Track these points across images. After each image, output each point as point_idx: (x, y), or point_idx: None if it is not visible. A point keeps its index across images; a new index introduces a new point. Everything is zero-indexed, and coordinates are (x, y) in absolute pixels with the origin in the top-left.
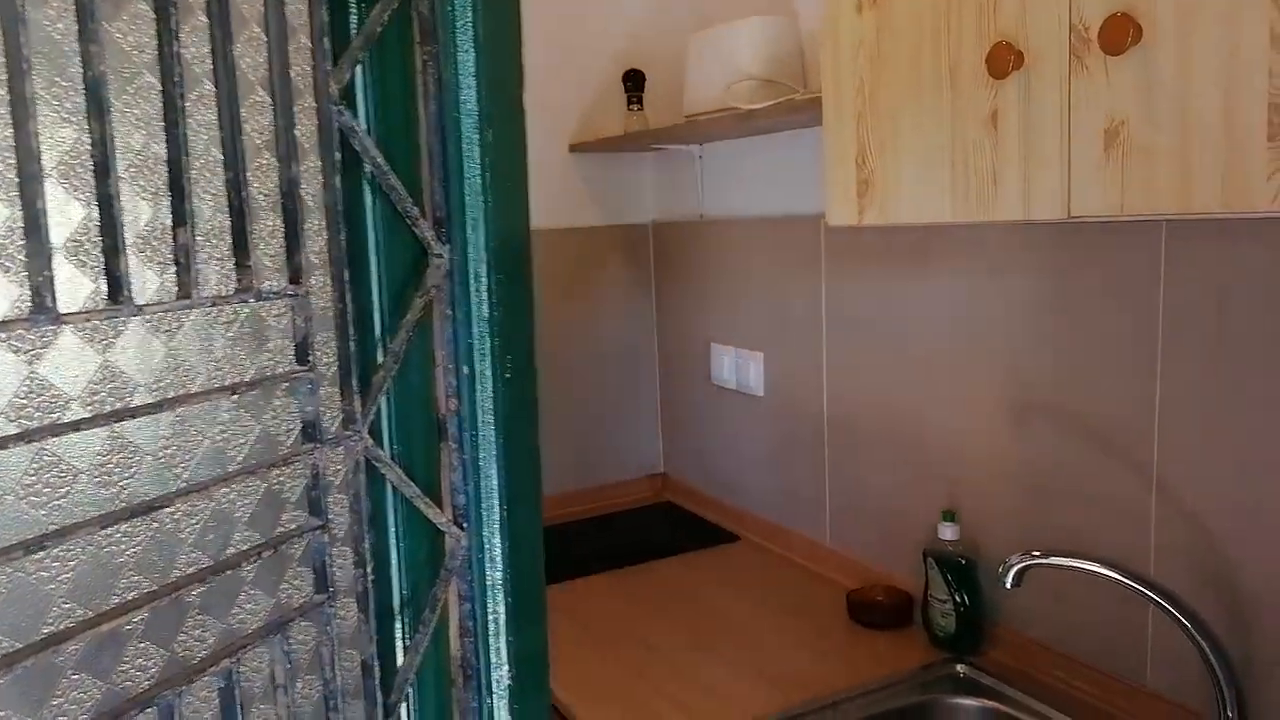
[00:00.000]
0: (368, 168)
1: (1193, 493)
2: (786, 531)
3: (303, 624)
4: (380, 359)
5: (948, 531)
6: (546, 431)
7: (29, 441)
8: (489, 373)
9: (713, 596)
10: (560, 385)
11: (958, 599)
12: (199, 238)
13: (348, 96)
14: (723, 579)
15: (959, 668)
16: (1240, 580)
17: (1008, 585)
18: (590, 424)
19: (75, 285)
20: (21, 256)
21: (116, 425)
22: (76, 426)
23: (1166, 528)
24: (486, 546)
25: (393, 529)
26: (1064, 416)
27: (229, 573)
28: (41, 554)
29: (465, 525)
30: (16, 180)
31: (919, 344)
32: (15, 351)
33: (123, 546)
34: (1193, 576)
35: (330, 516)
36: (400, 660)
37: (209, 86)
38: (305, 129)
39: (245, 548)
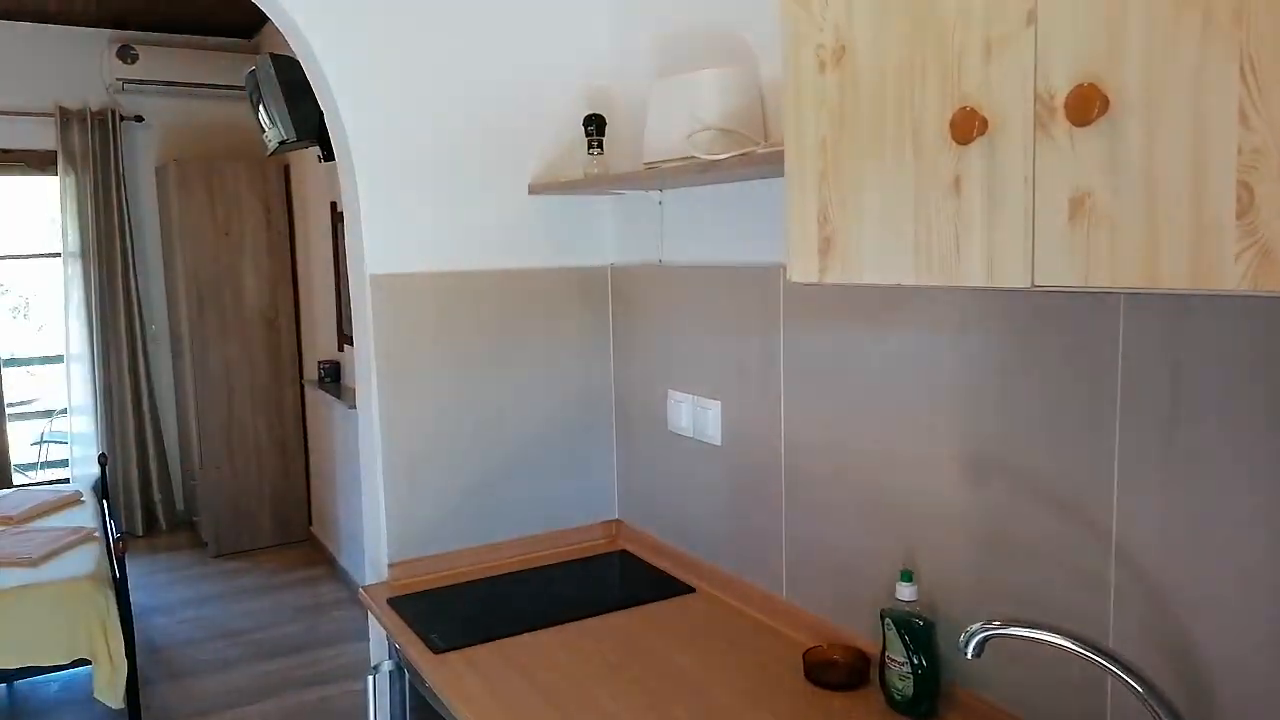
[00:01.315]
0: None
1: (1152, 560)
2: (742, 583)
3: None
4: None
5: (906, 592)
6: (501, 476)
7: None
8: None
9: (667, 653)
10: (515, 429)
11: (915, 661)
12: None
13: None
14: (677, 634)
15: None
16: (1199, 650)
17: (968, 656)
18: (545, 468)
19: None
20: None
21: None
22: None
23: (1126, 595)
24: None
25: None
26: (1023, 478)
27: None
28: None
29: None
30: None
31: (877, 398)
32: None
33: None
34: (1151, 645)
35: None
36: None
37: None
38: None
39: None
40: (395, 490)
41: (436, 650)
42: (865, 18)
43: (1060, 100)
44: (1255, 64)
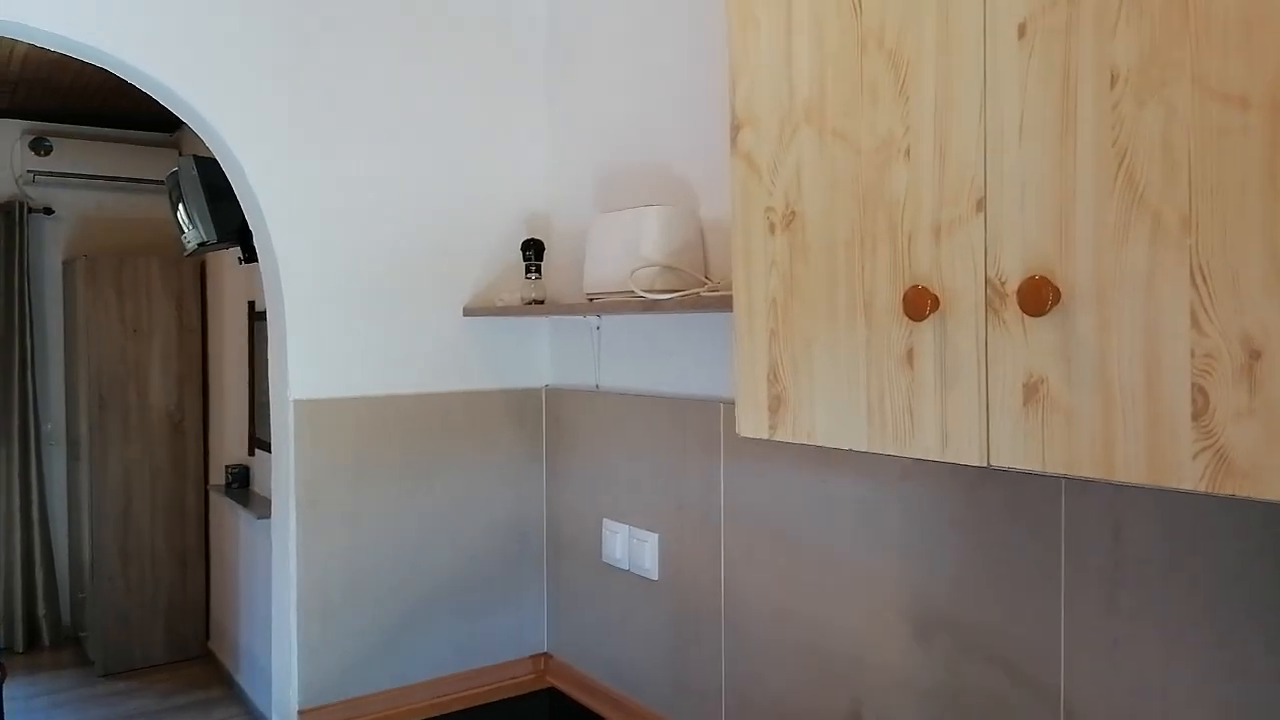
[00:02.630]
0: None
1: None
2: None
3: None
4: None
5: None
6: (424, 610)
7: None
8: None
9: None
10: (441, 559)
11: None
12: None
13: None
14: None
15: None
16: None
17: None
18: (471, 601)
19: None
20: None
21: None
22: None
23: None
24: None
25: None
26: (969, 635)
27: None
28: None
29: None
30: None
31: (821, 542)
32: None
33: None
34: None
35: None
36: None
37: None
38: None
39: None
40: (309, 630)
41: None
42: (815, 191)
43: (1012, 287)
44: (1206, 271)
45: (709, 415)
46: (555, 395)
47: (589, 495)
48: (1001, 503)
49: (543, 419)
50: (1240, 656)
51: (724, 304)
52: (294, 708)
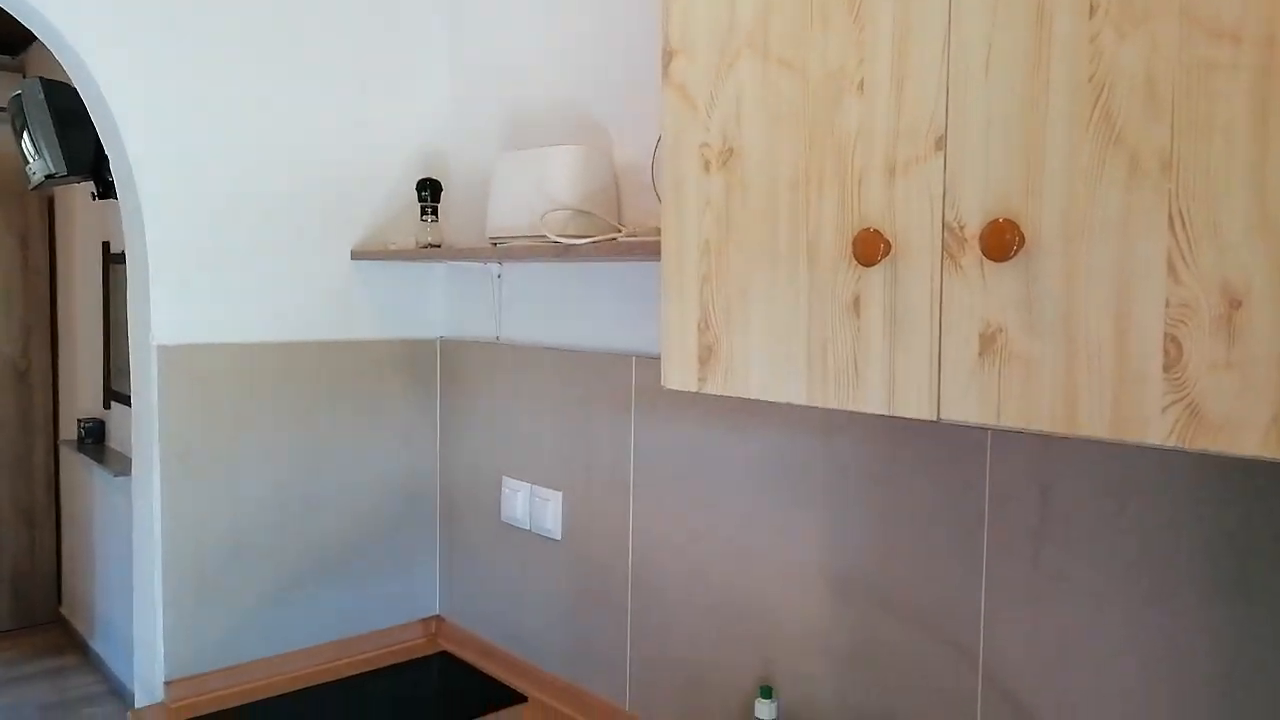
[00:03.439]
0: None
1: (1019, 681)
2: (581, 691)
3: None
4: None
5: (764, 710)
6: (308, 574)
7: None
8: None
9: None
10: (326, 520)
11: None
12: None
13: None
14: None
15: None
16: None
17: None
18: (359, 564)
19: None
20: None
21: None
22: None
23: (993, 716)
24: None
25: None
26: (888, 593)
27: None
28: None
29: None
30: None
31: (737, 500)
32: None
33: None
34: None
35: None
36: None
37: None
38: None
39: None
40: (177, 597)
41: None
42: (756, 126)
43: (972, 231)
44: (1186, 217)
45: (620, 369)
46: (451, 347)
47: (487, 453)
48: (925, 461)
49: (437, 372)
50: (1167, 612)
51: (644, 251)
52: (159, 678)
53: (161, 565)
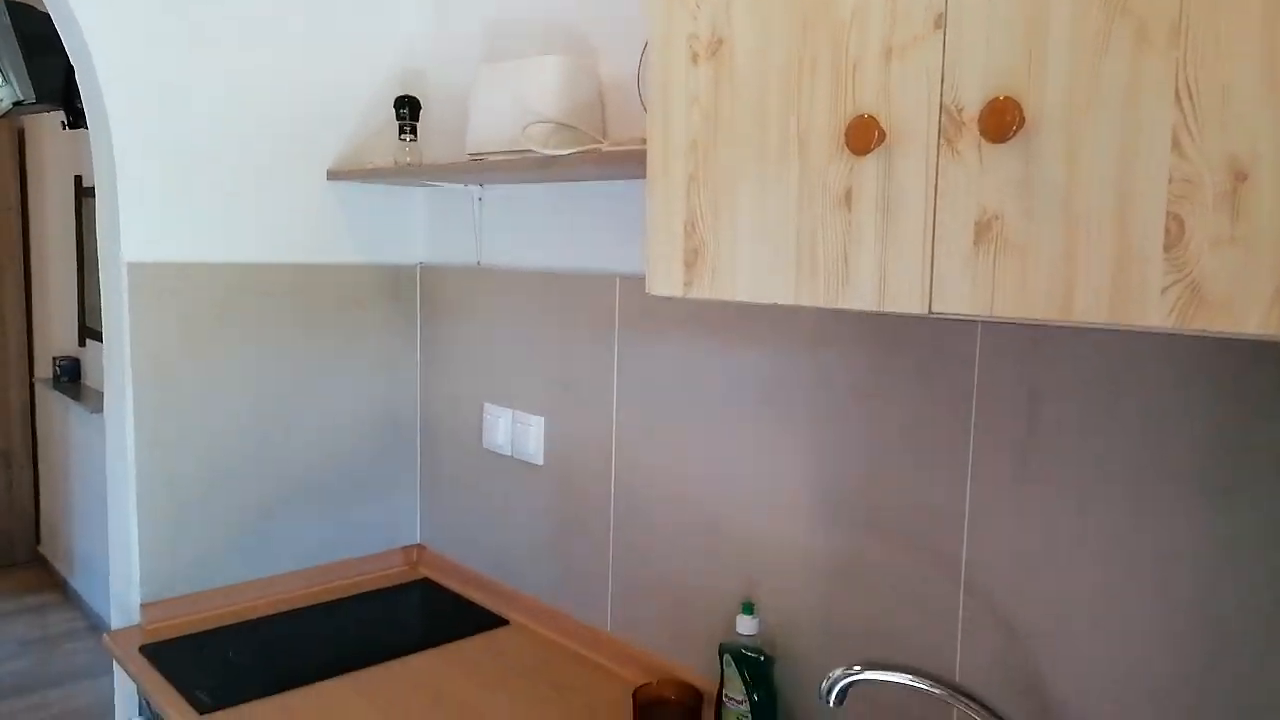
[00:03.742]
0: None
1: (1002, 590)
2: (563, 615)
3: None
4: None
5: (746, 625)
6: (285, 500)
7: None
8: None
9: (478, 700)
10: (304, 446)
11: (755, 698)
12: None
13: None
14: (490, 677)
15: None
16: (1049, 683)
17: (830, 704)
18: (338, 491)
19: None
20: None
21: None
22: None
23: (975, 626)
24: None
25: None
26: (872, 508)
27: None
28: None
29: None
30: None
31: (720, 420)
32: None
33: None
34: (999, 677)
35: None
36: None
37: None
38: None
39: None
40: (152, 519)
41: (203, 709)
42: (746, 14)
43: (971, 114)
44: (1193, 87)
45: (603, 290)
46: (431, 273)
47: (468, 379)
48: (912, 372)
49: (417, 298)
50: (1153, 515)
51: (628, 162)
52: (135, 600)
53: (135, 487)
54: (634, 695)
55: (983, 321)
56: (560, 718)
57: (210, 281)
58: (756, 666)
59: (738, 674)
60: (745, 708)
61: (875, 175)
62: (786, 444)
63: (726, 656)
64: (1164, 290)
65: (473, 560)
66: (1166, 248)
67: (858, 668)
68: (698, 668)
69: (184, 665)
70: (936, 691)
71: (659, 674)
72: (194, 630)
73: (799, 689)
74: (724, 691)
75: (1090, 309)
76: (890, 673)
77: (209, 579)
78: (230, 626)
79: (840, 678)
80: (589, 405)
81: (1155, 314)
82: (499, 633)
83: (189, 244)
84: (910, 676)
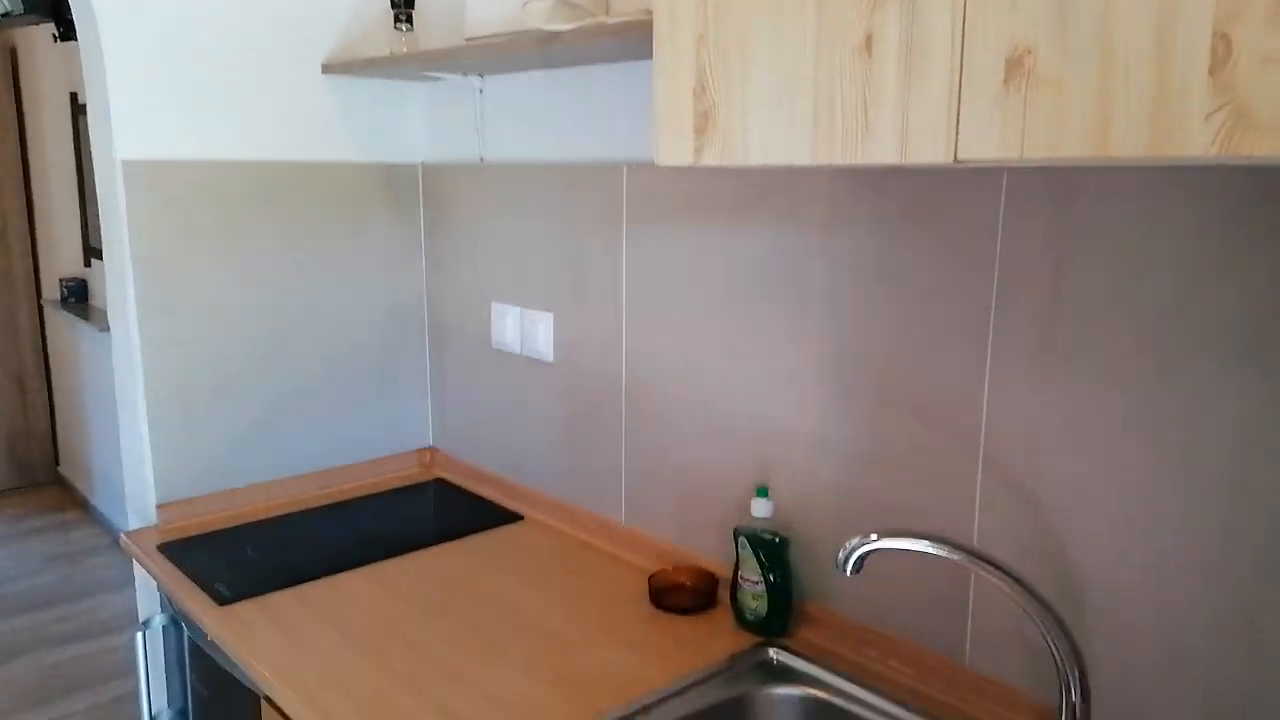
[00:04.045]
0: None
1: (1021, 464)
2: (576, 509)
3: None
4: None
5: (761, 508)
6: (294, 403)
7: None
8: None
9: (495, 587)
10: (312, 349)
11: (770, 579)
12: None
13: None
14: (506, 566)
15: (771, 653)
16: (1068, 555)
17: (846, 572)
18: (347, 393)
19: None
20: None
21: None
22: None
23: (992, 501)
24: None
25: None
26: (888, 384)
27: None
28: None
29: None
30: None
31: (732, 305)
32: None
33: None
34: (1017, 548)
35: None
36: None
37: None
38: None
39: None
40: (162, 422)
41: (222, 601)
42: None
43: None
44: None
45: (610, 180)
46: (434, 172)
47: (475, 278)
48: (930, 245)
49: (420, 197)
50: (1181, 387)
51: (633, 37)
52: (151, 502)
53: (144, 388)
54: (650, 579)
55: (1007, 182)
56: (577, 603)
57: (207, 179)
58: (772, 548)
59: (753, 555)
60: (760, 588)
61: (899, 17)
62: (800, 328)
63: (742, 539)
64: (1208, 117)
65: (486, 460)
66: (1212, 71)
67: (874, 536)
68: (712, 555)
69: (201, 561)
70: (955, 558)
71: (674, 561)
72: (210, 530)
73: (814, 569)
74: (739, 573)
75: (1128, 142)
76: (908, 539)
77: (223, 481)
78: (246, 525)
79: (857, 546)
80: (598, 299)
81: (1198, 142)
82: (514, 528)
83: (182, 141)
84: (929, 543)
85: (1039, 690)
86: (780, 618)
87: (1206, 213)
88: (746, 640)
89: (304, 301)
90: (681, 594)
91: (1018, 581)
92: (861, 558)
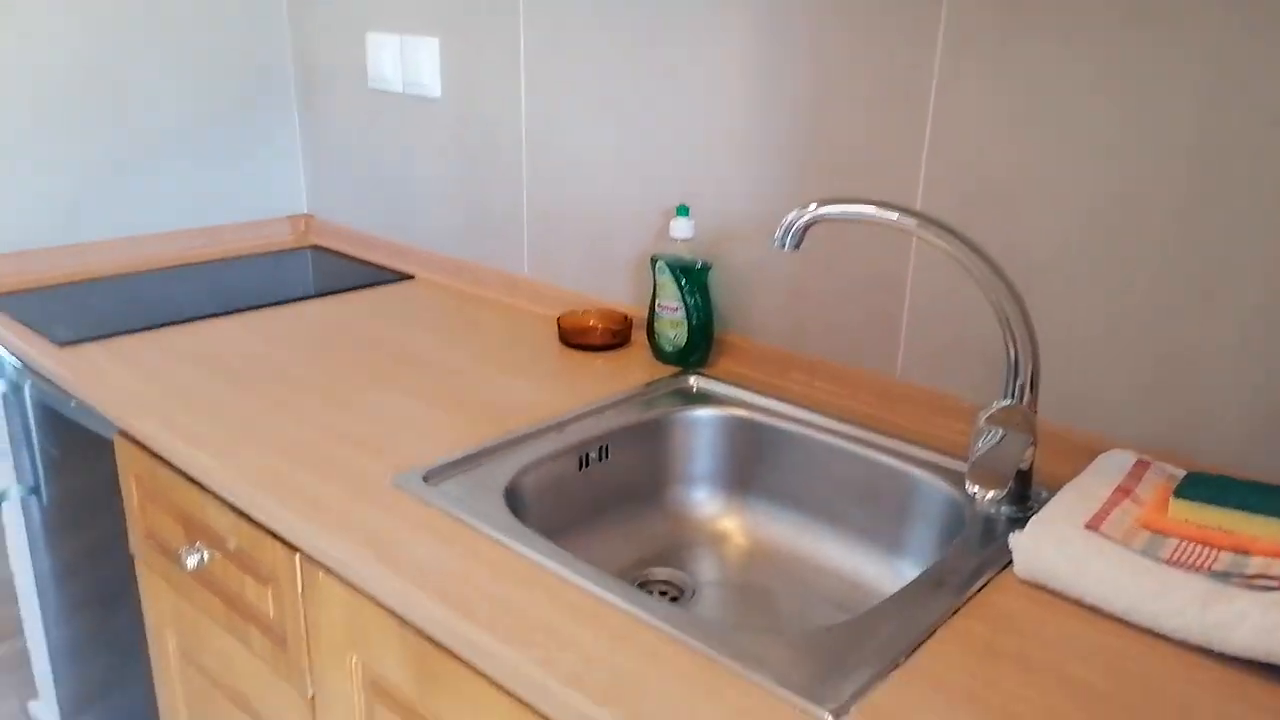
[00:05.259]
0: None
1: (966, 157)
2: (474, 266)
3: None
4: None
5: (681, 228)
6: (138, 162)
7: None
8: None
9: (389, 333)
10: (155, 93)
11: (690, 303)
12: None
13: None
14: (399, 318)
15: (691, 379)
16: (1014, 243)
17: (786, 247)
18: (203, 148)
19: None
20: None
21: None
22: None
23: (937, 187)
24: None
25: None
26: (824, 78)
27: None
28: None
29: None
30: None
31: (646, 25)
32: None
33: None
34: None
35: None
36: None
37: None
38: None
39: None
40: None
41: (61, 343)
42: None
43: None
44: None
45: None
46: None
47: (345, 7)
48: None
49: None
50: (1152, 39)
51: None
52: None
53: None
54: (559, 319)
55: None
56: (480, 345)
57: None
58: (693, 272)
59: (672, 279)
60: (680, 314)
61: None
62: (725, 21)
63: (660, 263)
64: None
65: (370, 224)
66: None
67: (814, 204)
68: (622, 298)
69: (33, 310)
70: (907, 222)
71: (583, 307)
72: (42, 284)
73: (736, 300)
74: (656, 301)
75: None
76: (851, 205)
77: (61, 235)
78: (94, 280)
79: (796, 219)
80: (491, 17)
81: None
82: (403, 285)
83: None
84: (875, 208)
85: (976, 395)
86: (700, 347)
87: None
88: (665, 371)
89: (144, 40)
90: (593, 335)
91: (966, 243)
92: (801, 230)
